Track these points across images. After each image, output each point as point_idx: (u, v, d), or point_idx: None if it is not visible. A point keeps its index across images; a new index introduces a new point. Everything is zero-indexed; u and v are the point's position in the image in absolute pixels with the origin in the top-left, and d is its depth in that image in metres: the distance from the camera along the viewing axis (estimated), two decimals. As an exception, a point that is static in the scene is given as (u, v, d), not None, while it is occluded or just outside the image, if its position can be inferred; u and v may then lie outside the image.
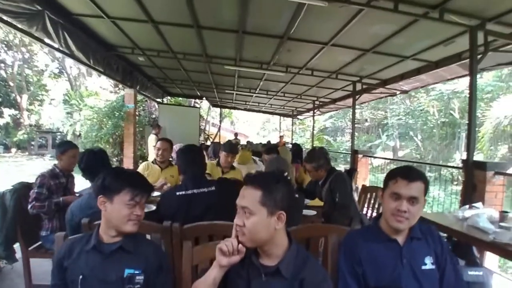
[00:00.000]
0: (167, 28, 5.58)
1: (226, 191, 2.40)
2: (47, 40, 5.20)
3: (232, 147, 4.14)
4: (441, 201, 8.79)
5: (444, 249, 1.69)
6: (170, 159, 4.44)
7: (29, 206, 3.01)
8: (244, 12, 4.61)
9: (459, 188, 4.51)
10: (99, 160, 2.64)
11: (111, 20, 5.28)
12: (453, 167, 7.45)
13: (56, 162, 3.33)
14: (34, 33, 4.78)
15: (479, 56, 4.19)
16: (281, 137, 16.49)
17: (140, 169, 4.19)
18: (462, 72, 6.04)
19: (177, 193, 2.37)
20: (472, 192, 4.03)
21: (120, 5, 4.83)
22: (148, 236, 1.87)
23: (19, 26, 4.54)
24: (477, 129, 14.45)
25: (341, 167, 12.59)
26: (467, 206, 3.30)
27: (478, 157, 14.97)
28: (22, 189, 3.18)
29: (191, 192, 2.35)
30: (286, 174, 3.02)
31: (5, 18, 4.20)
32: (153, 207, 2.84)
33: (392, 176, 1.65)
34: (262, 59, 7.04)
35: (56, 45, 5.36)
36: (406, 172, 1.63)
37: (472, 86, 4.22)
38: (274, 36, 5.44)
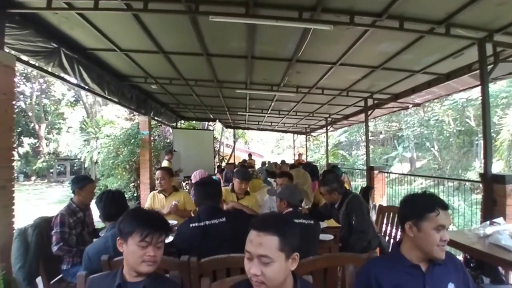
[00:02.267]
0: (178, 57, 5.74)
1: (238, 222, 2.42)
2: (63, 75, 5.40)
3: (245, 174, 4.13)
4: (462, 212, 8.57)
5: (466, 277, 1.70)
6: (180, 180, 4.43)
7: (56, 248, 3.04)
8: (252, 40, 4.73)
9: (481, 196, 4.41)
10: (117, 202, 2.66)
11: (123, 53, 5.46)
12: (471, 180, 7.28)
13: (71, 198, 3.39)
14: (51, 69, 4.98)
15: (489, 67, 4.18)
16: (300, 155, 16.33)
17: (148, 200, 4.27)
18: (474, 82, 5.99)
19: (191, 225, 2.42)
20: (492, 207, 3.94)
21: (131, 38, 5.00)
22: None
23: (37, 64, 4.74)
24: (495, 137, 14.19)
25: (358, 181, 12.42)
26: (487, 223, 3.23)
27: (498, 164, 14.63)
28: (43, 223, 3.23)
29: (203, 223, 2.39)
30: (303, 203, 3.03)
31: (24, 58, 4.40)
32: (171, 238, 2.86)
33: (431, 208, 1.61)
34: (272, 81, 7.13)
35: (72, 79, 5.57)
36: (443, 202, 1.64)
37: (485, 98, 4.18)
38: (283, 59, 5.53)
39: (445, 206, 1.62)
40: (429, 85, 6.47)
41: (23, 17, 3.99)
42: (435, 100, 18.11)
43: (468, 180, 8.38)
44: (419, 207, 1.65)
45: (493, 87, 15.28)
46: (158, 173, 4.23)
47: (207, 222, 2.40)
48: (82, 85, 5.83)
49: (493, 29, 3.98)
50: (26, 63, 4.55)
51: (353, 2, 3.57)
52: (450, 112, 21.22)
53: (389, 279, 1.62)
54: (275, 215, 1.77)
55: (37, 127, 24.87)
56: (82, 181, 3.39)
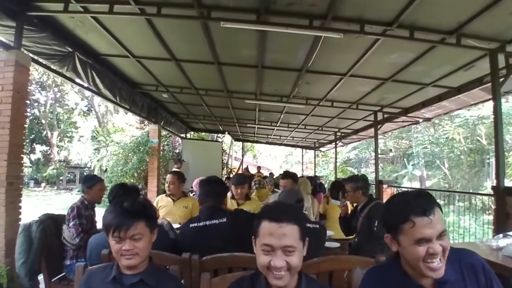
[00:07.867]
0: (189, 65, 5.81)
1: (240, 223, 2.39)
2: (77, 80, 5.49)
3: (238, 179, 4.13)
4: (472, 231, 8.39)
5: (488, 281, 1.30)
6: (187, 190, 4.33)
7: (78, 240, 3.10)
8: (262, 49, 4.77)
9: (492, 218, 4.30)
10: (126, 195, 2.60)
11: (136, 59, 5.55)
12: (484, 194, 7.14)
13: (82, 195, 3.42)
14: (65, 73, 5.08)
15: (501, 79, 4.14)
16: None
17: (153, 203, 4.07)
18: (486, 96, 5.92)
19: (191, 225, 2.41)
20: (505, 220, 3.85)
21: (144, 45, 5.09)
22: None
23: (52, 67, 4.84)
24: (506, 155, 13.96)
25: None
26: (501, 235, 3.15)
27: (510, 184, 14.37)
28: (47, 220, 3.24)
29: (203, 224, 2.37)
30: (302, 203, 2.98)
31: (40, 60, 4.50)
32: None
33: (404, 217, 1.23)
34: (281, 92, 7.16)
35: (85, 84, 5.67)
36: (419, 208, 1.22)
37: (497, 110, 4.12)
38: (293, 69, 5.55)
39: (423, 213, 1.20)
40: (440, 99, 6.40)
41: (41, 20, 4.11)
42: (445, 118, 17.98)
43: (480, 194, 8.21)
44: (392, 217, 1.32)
45: (505, 105, 15.12)
46: (168, 177, 4.17)
47: (207, 223, 2.38)
48: (95, 90, 5.91)
49: (505, 40, 3.94)
50: (41, 64, 4.64)
51: (363, 10, 3.59)
52: (461, 130, 20.90)
53: None
54: (294, 206, 1.74)
55: (49, 134, 25.14)
56: (91, 180, 3.48)
